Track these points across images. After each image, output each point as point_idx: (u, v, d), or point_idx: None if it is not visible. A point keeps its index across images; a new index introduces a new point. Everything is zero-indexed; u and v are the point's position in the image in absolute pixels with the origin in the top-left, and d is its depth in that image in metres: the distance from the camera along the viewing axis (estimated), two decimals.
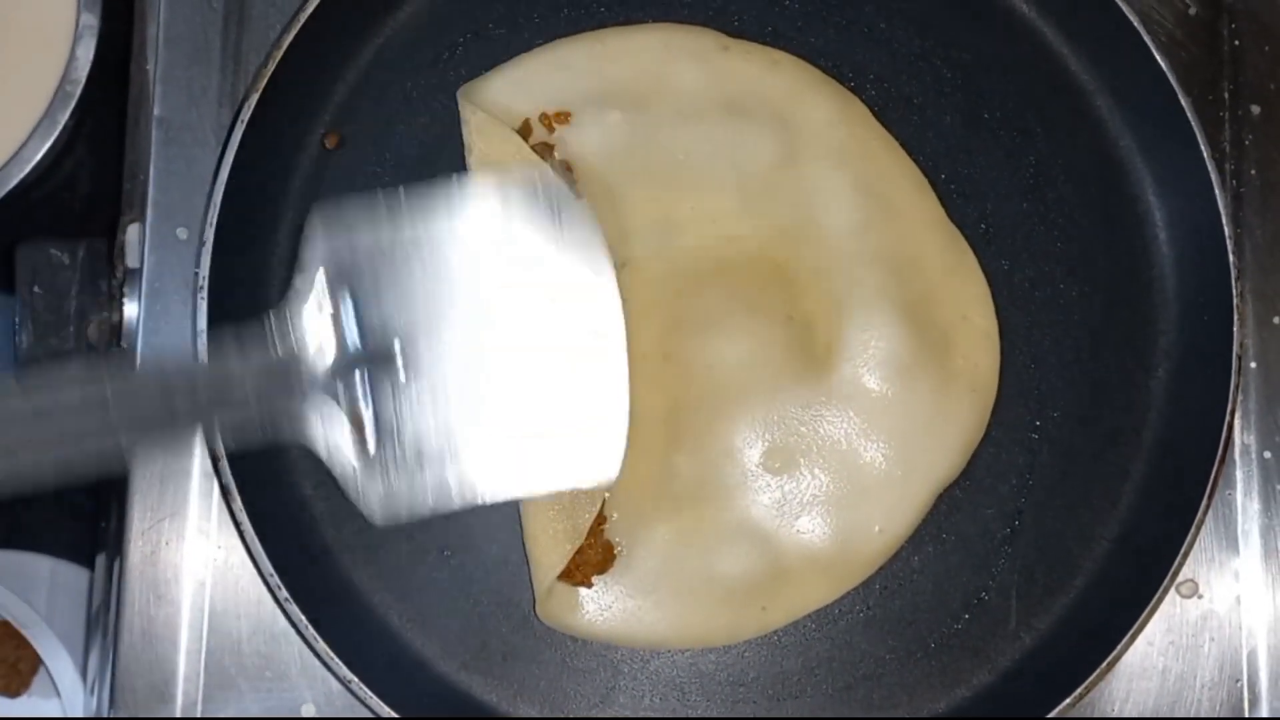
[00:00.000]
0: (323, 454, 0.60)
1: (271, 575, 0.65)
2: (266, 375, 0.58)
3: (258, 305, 0.69)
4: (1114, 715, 0.70)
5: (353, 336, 0.59)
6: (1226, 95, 0.76)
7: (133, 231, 0.69)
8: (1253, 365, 0.74)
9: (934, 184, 0.74)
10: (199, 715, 0.67)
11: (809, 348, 0.71)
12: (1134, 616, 0.67)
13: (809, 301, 0.71)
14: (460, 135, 0.71)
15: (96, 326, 0.68)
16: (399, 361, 0.58)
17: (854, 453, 0.70)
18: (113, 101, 0.73)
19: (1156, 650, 0.71)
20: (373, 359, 0.58)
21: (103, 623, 0.70)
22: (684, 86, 0.72)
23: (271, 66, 0.67)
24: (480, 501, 0.61)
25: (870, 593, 0.71)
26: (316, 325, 0.58)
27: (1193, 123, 0.71)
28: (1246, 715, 0.71)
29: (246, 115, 0.67)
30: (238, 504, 0.65)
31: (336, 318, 0.58)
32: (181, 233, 0.69)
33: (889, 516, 0.70)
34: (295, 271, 0.61)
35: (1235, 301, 0.70)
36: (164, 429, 0.57)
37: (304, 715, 0.67)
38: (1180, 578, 0.70)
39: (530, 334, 0.60)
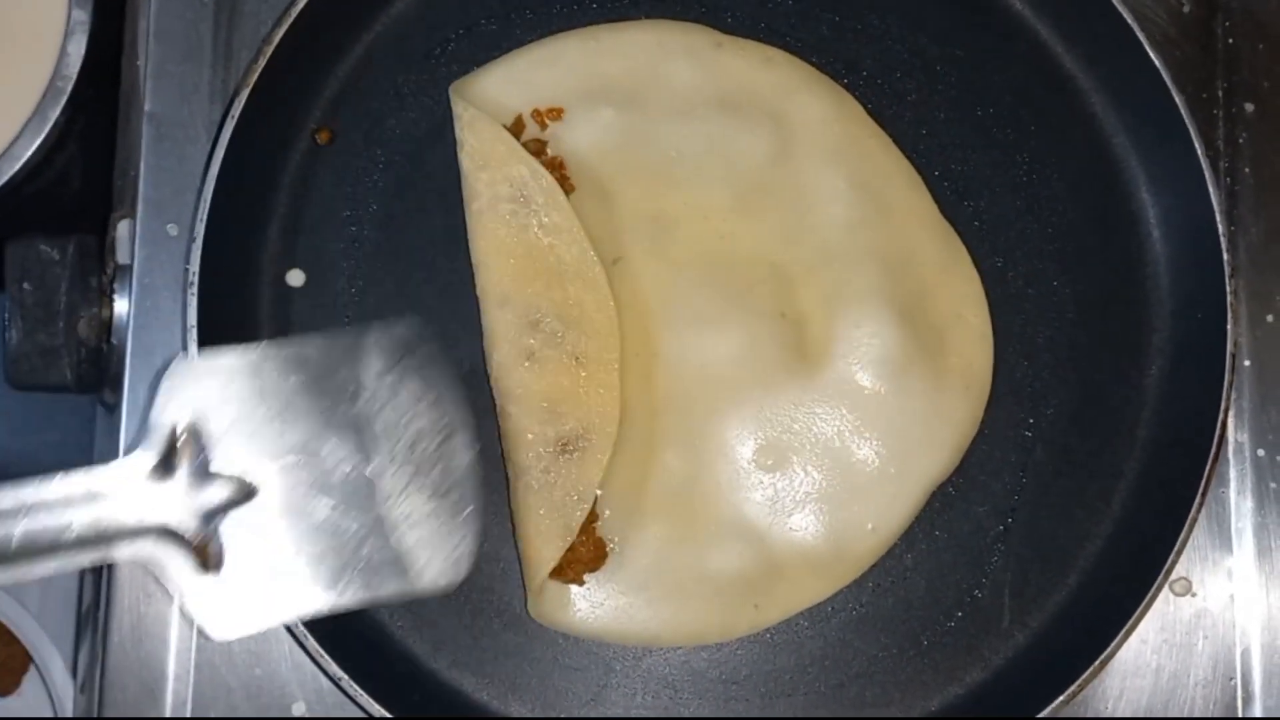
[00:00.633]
0: (160, 572, 0.60)
1: None
2: (126, 494, 0.59)
3: (247, 302, 0.70)
4: (1107, 713, 0.70)
5: (201, 471, 0.61)
6: (1221, 93, 0.76)
7: (123, 228, 0.69)
8: (1246, 363, 0.74)
9: (928, 181, 0.73)
10: (189, 713, 0.66)
11: (802, 345, 0.70)
12: (1127, 614, 0.67)
13: (802, 299, 0.71)
14: (452, 131, 0.71)
15: (87, 323, 0.68)
16: (247, 494, 0.61)
17: (847, 450, 0.70)
18: (104, 98, 0.72)
19: (1150, 648, 0.71)
20: (222, 492, 0.61)
21: (93, 621, 0.70)
22: (677, 83, 0.72)
23: (262, 62, 0.67)
24: (322, 614, 0.62)
25: (863, 590, 0.70)
26: (169, 466, 0.60)
27: (1187, 120, 0.71)
28: (1240, 713, 0.71)
29: (237, 111, 0.67)
30: None
31: (189, 455, 0.61)
32: (172, 229, 0.69)
33: (882, 514, 0.70)
34: (150, 419, 0.61)
35: (1229, 299, 0.70)
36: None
37: (294, 713, 0.67)
38: (1174, 576, 0.70)
39: (381, 471, 0.63)
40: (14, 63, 0.71)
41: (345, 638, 0.65)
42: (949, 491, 0.71)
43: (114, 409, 0.69)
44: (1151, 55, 0.71)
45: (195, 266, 0.66)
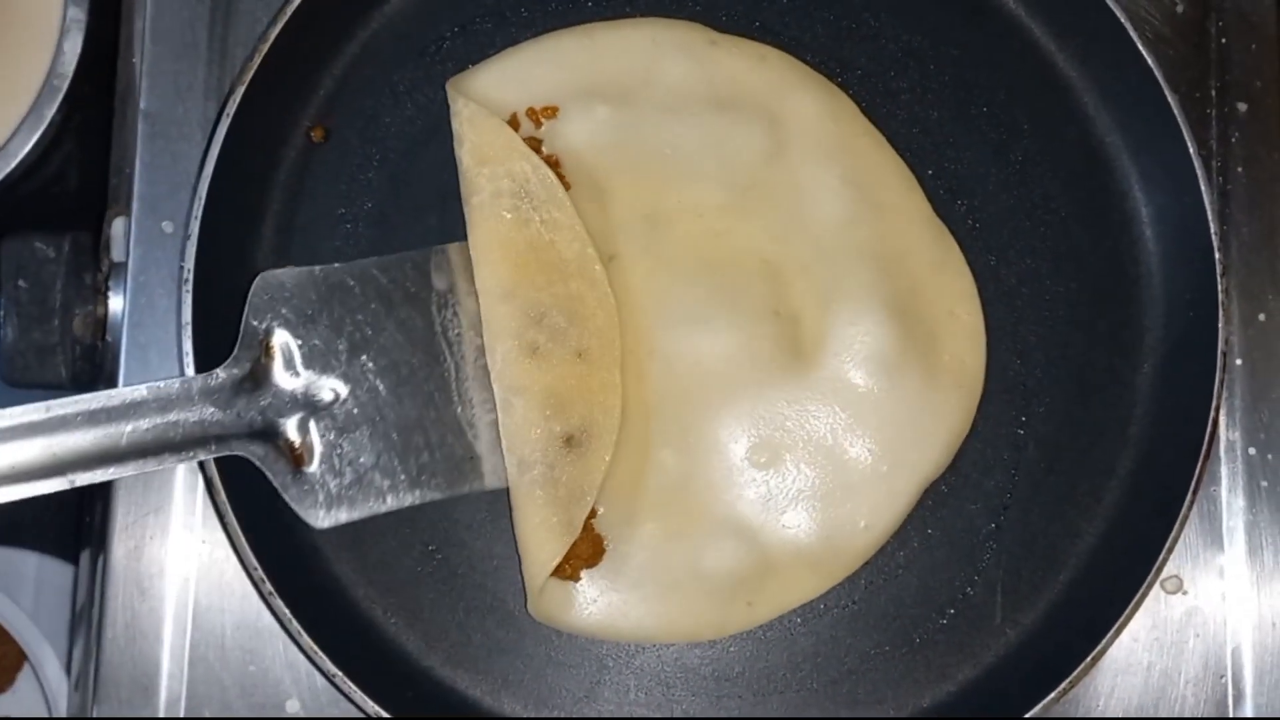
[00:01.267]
0: (264, 470, 0.65)
1: (256, 570, 0.65)
2: (218, 404, 0.64)
3: (242, 299, 0.69)
4: (1098, 710, 0.71)
5: (294, 377, 0.66)
6: (1213, 92, 0.76)
7: (118, 225, 0.69)
8: (1238, 362, 0.74)
9: (921, 179, 0.74)
10: (183, 711, 0.66)
11: (796, 343, 0.71)
12: (1119, 612, 0.67)
13: (796, 296, 0.71)
14: (447, 128, 0.71)
15: (81, 320, 0.68)
16: (337, 398, 0.66)
17: (840, 448, 0.70)
18: (99, 96, 0.72)
19: (1141, 646, 0.71)
20: (312, 397, 0.66)
21: (87, 618, 0.70)
22: (671, 81, 0.72)
23: (257, 60, 0.67)
24: (411, 505, 0.67)
25: (855, 588, 0.71)
26: (264, 369, 0.66)
27: (1179, 120, 0.71)
28: (1230, 711, 0.71)
29: (232, 109, 0.67)
30: (222, 499, 0.65)
31: (279, 363, 0.66)
32: (167, 226, 0.69)
33: (875, 512, 0.70)
34: (242, 330, 0.65)
35: (1221, 298, 0.70)
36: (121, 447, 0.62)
37: (288, 711, 0.67)
38: (1165, 574, 0.70)
39: (455, 378, 0.68)
40: (10, 60, 0.71)
41: (339, 635, 0.66)
42: (941, 489, 0.72)
43: None
44: (1144, 54, 0.71)
45: (190, 264, 0.66)
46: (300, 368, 0.66)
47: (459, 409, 0.67)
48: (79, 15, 0.71)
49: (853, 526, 0.69)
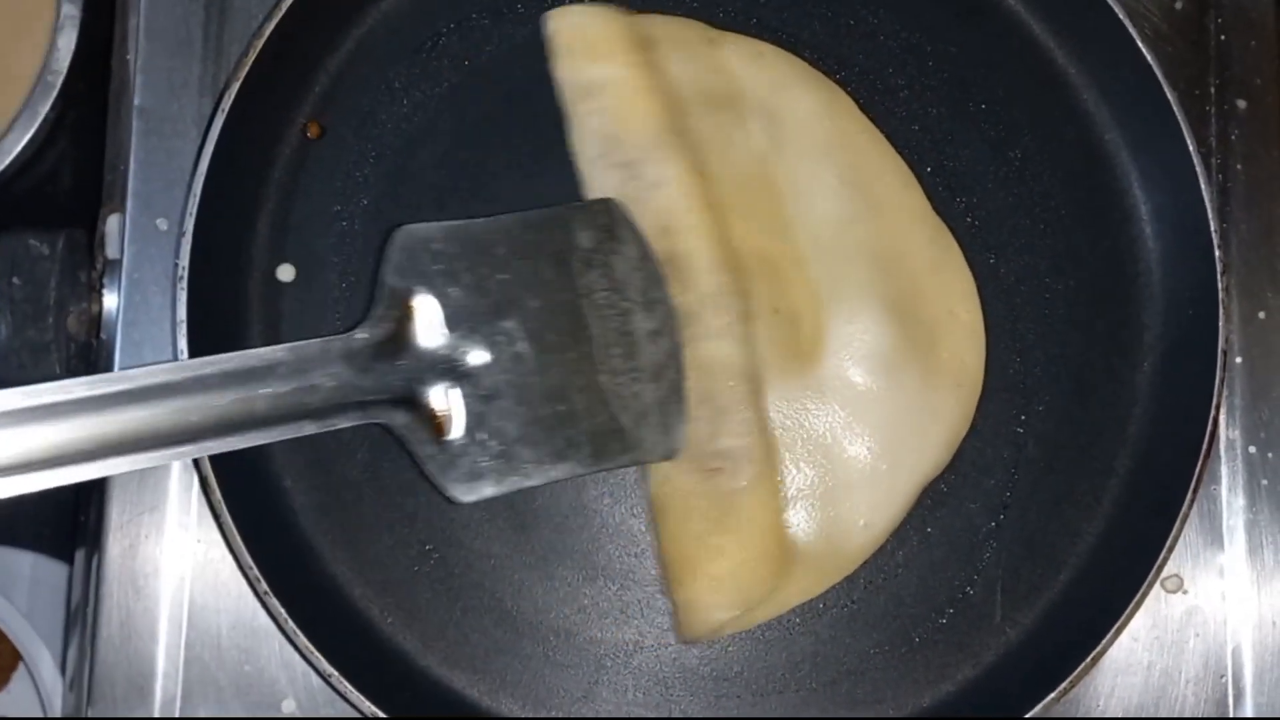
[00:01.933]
0: (404, 439, 0.63)
1: (252, 569, 0.64)
2: (357, 367, 0.61)
3: (237, 297, 0.69)
4: (1098, 710, 0.70)
5: (437, 340, 0.63)
6: (1213, 90, 0.76)
7: (113, 222, 0.69)
8: (1238, 360, 0.74)
9: (920, 177, 0.73)
10: (178, 711, 0.66)
11: (794, 341, 0.70)
12: (1119, 612, 0.67)
13: (794, 294, 0.71)
14: (443, 125, 0.71)
15: (76, 318, 0.68)
16: (481, 364, 0.63)
17: (839, 447, 0.70)
18: (94, 92, 0.72)
19: (1141, 646, 0.71)
20: (458, 360, 0.63)
21: (82, 618, 0.70)
22: (669, 78, 0.72)
23: (252, 56, 0.67)
24: (555, 480, 0.65)
25: (854, 587, 0.70)
26: (405, 331, 0.63)
27: (1179, 117, 0.71)
28: (1231, 711, 0.71)
29: (227, 105, 0.67)
30: (218, 497, 0.64)
31: (420, 326, 0.63)
32: (162, 224, 0.69)
33: (874, 511, 0.70)
34: (380, 285, 0.64)
35: (1221, 296, 0.70)
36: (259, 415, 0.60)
37: (284, 710, 0.67)
38: (1165, 573, 0.70)
39: (602, 345, 0.65)
40: (3, 56, 0.71)
41: (335, 635, 0.65)
42: (941, 488, 0.71)
43: None
44: (1144, 51, 0.71)
45: (185, 261, 0.65)
46: (443, 330, 0.62)
47: (603, 378, 0.64)
48: (73, 11, 0.71)
49: (852, 525, 0.69)
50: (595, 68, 0.69)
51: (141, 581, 0.67)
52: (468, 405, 0.63)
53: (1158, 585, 0.70)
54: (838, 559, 0.69)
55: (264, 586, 0.64)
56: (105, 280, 0.69)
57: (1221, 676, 0.71)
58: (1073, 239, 0.74)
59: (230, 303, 0.69)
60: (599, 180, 0.69)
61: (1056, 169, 0.75)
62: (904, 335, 0.71)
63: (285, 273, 0.70)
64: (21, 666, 0.85)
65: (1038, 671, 0.68)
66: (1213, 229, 0.70)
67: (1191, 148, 0.71)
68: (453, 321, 0.63)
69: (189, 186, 0.67)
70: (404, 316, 0.62)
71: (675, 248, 0.68)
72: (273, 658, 0.67)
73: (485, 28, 0.73)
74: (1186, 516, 0.68)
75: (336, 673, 0.64)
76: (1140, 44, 0.71)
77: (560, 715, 0.68)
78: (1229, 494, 0.73)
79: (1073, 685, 0.67)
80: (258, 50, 0.67)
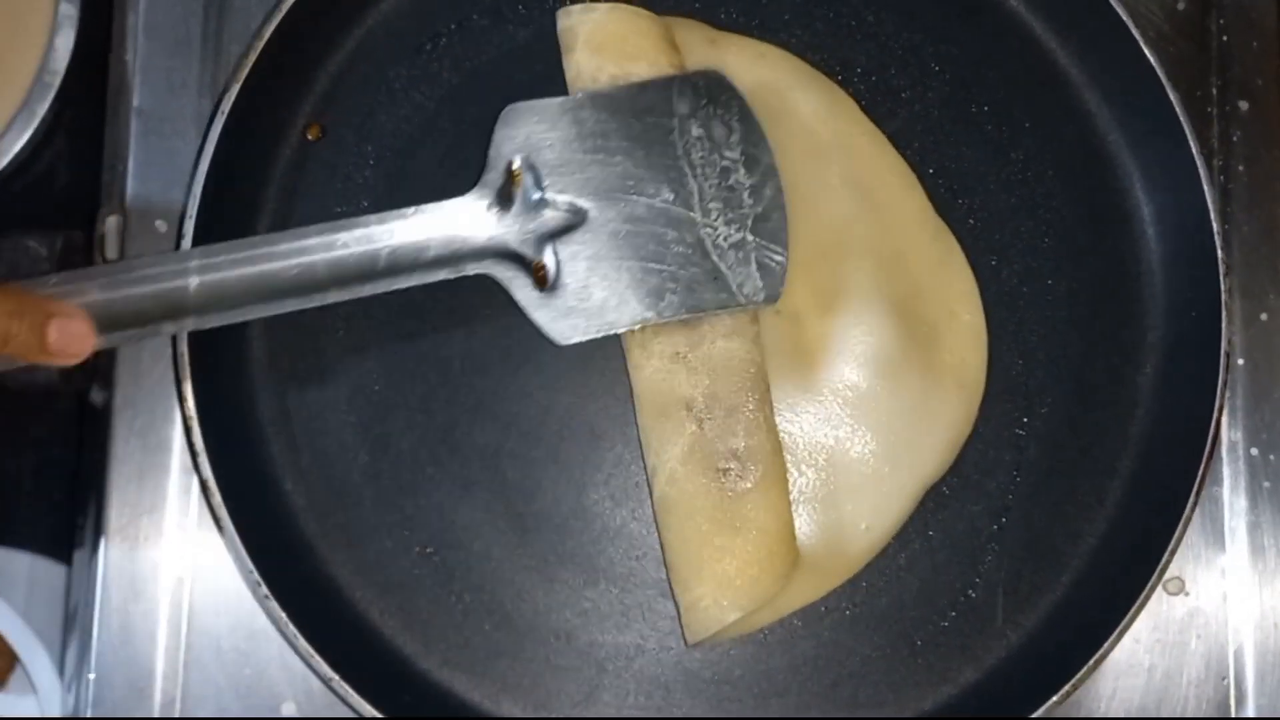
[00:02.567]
0: (509, 287, 0.67)
1: (251, 572, 0.64)
2: (471, 221, 0.66)
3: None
4: (1100, 712, 0.70)
5: (540, 199, 0.67)
6: (1215, 91, 0.76)
7: (111, 224, 0.69)
8: (1240, 362, 0.74)
9: (922, 178, 0.73)
10: (178, 713, 0.66)
11: (796, 342, 0.70)
12: (1121, 614, 0.67)
13: (797, 296, 0.70)
14: (443, 126, 0.71)
15: None
16: (581, 220, 0.67)
17: (841, 449, 0.70)
18: (92, 92, 0.72)
19: (1143, 648, 0.71)
20: (555, 219, 0.67)
21: (80, 620, 0.70)
22: None
23: (252, 57, 0.67)
24: (650, 323, 0.68)
25: (856, 590, 0.70)
26: (510, 191, 0.67)
27: (1181, 118, 0.71)
28: (1233, 713, 0.71)
29: (227, 106, 0.66)
30: (217, 499, 0.64)
31: (523, 188, 0.67)
32: (160, 225, 0.69)
33: (876, 513, 0.69)
34: (490, 156, 0.67)
35: (1223, 298, 0.70)
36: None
37: (284, 713, 0.67)
38: (1167, 575, 0.70)
39: (698, 197, 0.69)
40: (1, 56, 0.71)
41: (336, 637, 0.65)
42: (943, 491, 0.71)
43: (102, 407, 0.68)
44: (1146, 52, 0.71)
45: None
46: (544, 191, 0.67)
47: (702, 230, 0.68)
48: (71, 11, 0.70)
49: (854, 528, 0.69)
50: (627, 65, 0.69)
51: (141, 584, 0.67)
52: (568, 256, 0.67)
53: (1159, 587, 0.70)
54: (839, 562, 0.69)
55: (264, 589, 0.64)
56: None
57: (1223, 678, 0.71)
58: (1075, 240, 0.74)
59: None
60: None
61: (1058, 170, 0.75)
62: (906, 337, 0.70)
63: None
64: (19, 669, 0.85)
65: (1040, 674, 0.68)
66: (1215, 230, 0.70)
67: (1194, 149, 0.71)
68: (552, 183, 0.67)
69: (188, 188, 0.66)
70: (510, 179, 0.67)
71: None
72: (273, 660, 0.67)
73: (485, 29, 0.73)
74: (1189, 519, 0.68)
75: (336, 676, 0.64)
76: (1142, 45, 0.71)
77: (561, 718, 0.68)
78: (1231, 496, 0.73)
79: (1075, 688, 0.67)
80: (258, 51, 0.67)
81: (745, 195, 0.69)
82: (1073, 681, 0.67)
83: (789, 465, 0.69)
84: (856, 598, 0.70)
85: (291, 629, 0.64)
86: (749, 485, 0.66)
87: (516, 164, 0.67)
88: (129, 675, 0.66)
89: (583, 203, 0.67)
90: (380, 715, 0.64)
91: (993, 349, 0.72)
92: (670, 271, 0.67)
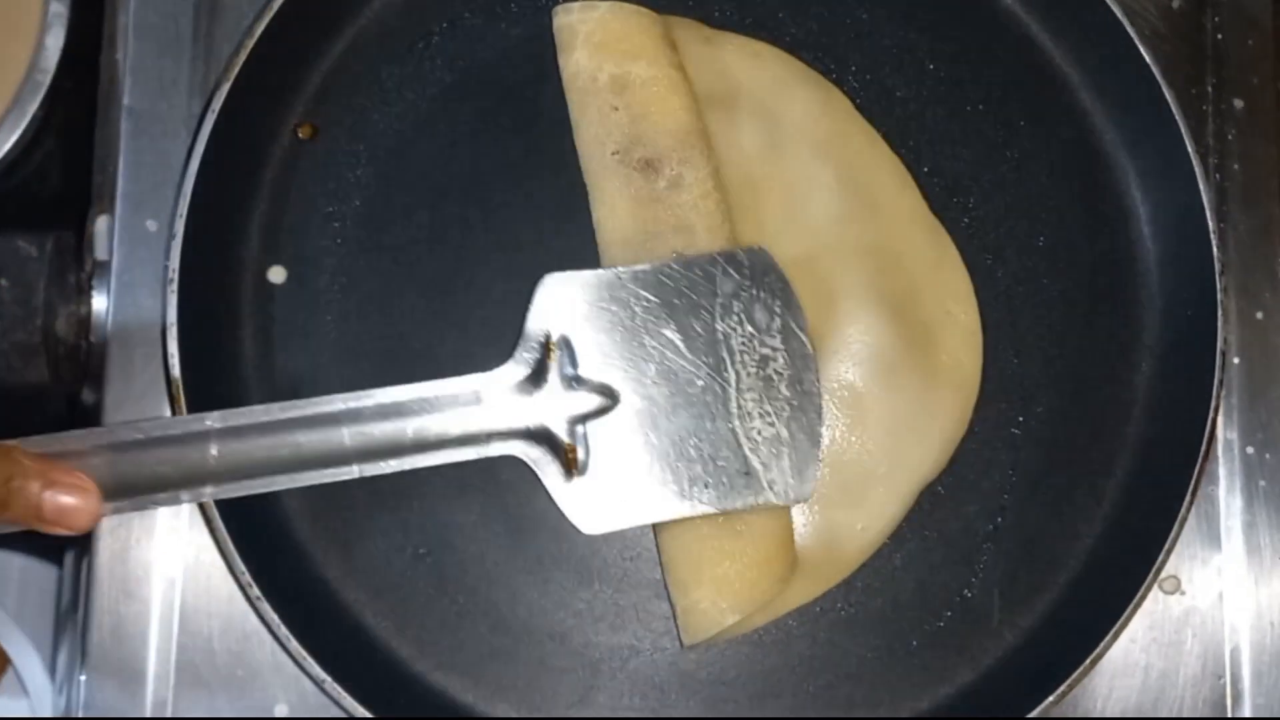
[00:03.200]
0: (537, 470, 0.66)
1: (243, 573, 0.64)
2: (502, 399, 0.65)
3: (228, 299, 0.69)
4: (1097, 712, 0.70)
5: (574, 380, 0.66)
6: (1210, 89, 0.76)
7: (102, 224, 0.69)
8: (1236, 361, 0.74)
9: (916, 177, 0.73)
10: (169, 714, 0.66)
11: None
12: (1117, 613, 0.67)
13: None
14: (437, 125, 0.71)
15: (65, 320, 0.68)
16: (614, 403, 0.66)
17: (836, 449, 0.70)
18: (82, 92, 0.72)
19: (1139, 647, 0.71)
20: (589, 401, 0.66)
21: (72, 621, 0.70)
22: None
23: (243, 56, 0.67)
24: (681, 517, 0.66)
25: (852, 590, 0.70)
26: (544, 370, 0.66)
27: (1176, 116, 0.71)
28: (1229, 712, 0.71)
29: (218, 105, 0.66)
30: (209, 500, 0.64)
31: (558, 366, 0.66)
32: (151, 225, 0.69)
33: (871, 514, 0.69)
34: (525, 328, 0.66)
35: (1219, 297, 0.70)
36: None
37: (276, 714, 0.66)
38: (1163, 574, 0.70)
39: (733, 389, 0.67)
40: None
41: (329, 639, 0.65)
42: (938, 491, 0.71)
43: (93, 407, 0.68)
44: (1141, 50, 0.71)
45: (175, 263, 0.65)
46: (579, 371, 0.65)
47: (736, 421, 0.66)
48: (61, 9, 0.70)
49: (849, 528, 0.69)
50: (628, 64, 0.69)
51: (132, 585, 0.67)
52: (599, 442, 0.66)
53: (1156, 587, 0.70)
54: (835, 562, 0.69)
55: (256, 590, 0.64)
56: (94, 282, 0.68)
57: (1220, 678, 0.71)
58: (1070, 239, 0.74)
59: (221, 305, 0.69)
60: (607, 178, 0.69)
61: (1054, 169, 0.75)
62: (901, 336, 0.70)
63: (277, 274, 0.70)
64: (10, 670, 0.85)
65: (1036, 674, 0.68)
66: (1210, 229, 0.70)
67: (1189, 147, 0.71)
68: (588, 363, 0.66)
69: (179, 187, 0.66)
70: (544, 357, 0.66)
71: (693, 246, 0.68)
72: (265, 662, 0.67)
73: (478, 27, 0.73)
74: (1184, 518, 0.68)
75: (329, 678, 0.63)
76: (1138, 43, 0.71)
77: (555, 719, 0.68)
78: (1227, 495, 0.73)
79: (1071, 687, 0.67)
80: (249, 50, 0.67)
81: (783, 386, 0.67)
82: (1069, 681, 0.67)
83: None
84: (852, 598, 0.70)
85: (284, 630, 0.63)
86: None
87: (554, 339, 0.66)
88: (120, 676, 0.66)
89: (618, 385, 0.66)
90: (373, 717, 0.63)
91: (988, 348, 0.72)
92: (703, 464, 0.66)
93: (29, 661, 0.82)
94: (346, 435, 0.62)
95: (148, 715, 0.66)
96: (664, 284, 0.67)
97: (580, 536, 0.69)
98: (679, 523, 0.66)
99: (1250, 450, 0.73)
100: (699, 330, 0.67)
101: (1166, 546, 0.68)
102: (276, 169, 0.70)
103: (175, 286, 0.65)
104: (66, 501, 0.56)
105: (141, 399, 0.68)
